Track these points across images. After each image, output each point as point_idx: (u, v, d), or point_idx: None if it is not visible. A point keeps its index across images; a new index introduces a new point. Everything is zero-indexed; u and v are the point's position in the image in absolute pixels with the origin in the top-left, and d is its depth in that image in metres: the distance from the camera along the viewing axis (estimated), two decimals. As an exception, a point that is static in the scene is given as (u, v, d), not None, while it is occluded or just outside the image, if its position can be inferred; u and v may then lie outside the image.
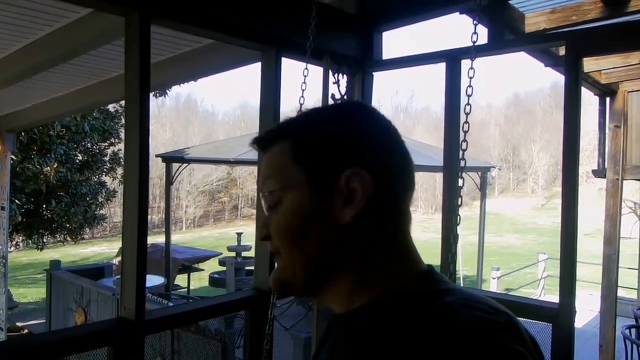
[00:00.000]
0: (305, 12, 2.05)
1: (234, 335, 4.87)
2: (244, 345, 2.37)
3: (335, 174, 0.66)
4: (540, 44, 2.78)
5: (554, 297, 8.74)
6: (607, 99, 5.07)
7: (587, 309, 7.65)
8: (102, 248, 26.25)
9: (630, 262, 7.80)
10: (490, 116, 57.41)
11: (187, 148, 12.52)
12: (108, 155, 9.82)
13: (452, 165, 2.39)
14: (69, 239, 9.75)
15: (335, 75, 2.54)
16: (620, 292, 5.27)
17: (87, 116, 8.48)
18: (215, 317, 3.51)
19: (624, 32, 2.25)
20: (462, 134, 1.77)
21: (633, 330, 5.20)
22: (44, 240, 9.58)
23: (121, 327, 1.76)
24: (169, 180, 9.52)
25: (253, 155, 8.45)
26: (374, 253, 0.67)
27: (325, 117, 0.73)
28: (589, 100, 5.72)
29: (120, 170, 9.70)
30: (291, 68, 2.49)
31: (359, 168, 0.65)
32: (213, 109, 65.39)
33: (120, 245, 2.08)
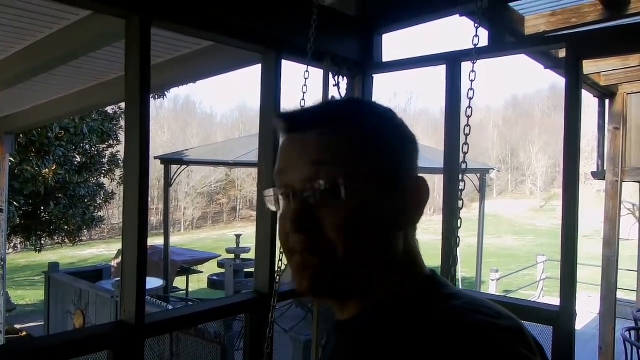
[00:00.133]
0: (305, 14, 2.05)
1: (233, 338, 4.85)
2: (244, 348, 2.36)
3: (407, 175, 0.65)
4: (540, 46, 2.79)
5: (552, 299, 8.75)
6: (606, 101, 5.08)
7: (586, 310, 7.64)
8: (100, 250, 26.18)
9: (629, 264, 7.79)
10: (489, 118, 57.41)
11: (186, 150, 12.49)
12: (106, 157, 9.80)
13: (452, 168, 2.39)
14: (66, 240, 9.72)
15: (335, 77, 2.54)
16: (619, 294, 5.27)
17: (85, 118, 8.45)
18: (215, 319, 3.50)
19: (623, 34, 2.26)
20: (462, 137, 1.76)
21: (632, 332, 5.20)
22: (42, 242, 9.55)
23: (121, 331, 1.75)
24: (168, 182, 9.49)
25: (251, 157, 8.44)
26: (396, 260, 0.65)
27: (388, 116, 0.67)
28: (587, 101, 5.72)
29: (118, 172, 9.69)
30: (289, 70, 2.49)
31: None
32: (211, 111, 65.31)
33: (119, 247, 2.07)
